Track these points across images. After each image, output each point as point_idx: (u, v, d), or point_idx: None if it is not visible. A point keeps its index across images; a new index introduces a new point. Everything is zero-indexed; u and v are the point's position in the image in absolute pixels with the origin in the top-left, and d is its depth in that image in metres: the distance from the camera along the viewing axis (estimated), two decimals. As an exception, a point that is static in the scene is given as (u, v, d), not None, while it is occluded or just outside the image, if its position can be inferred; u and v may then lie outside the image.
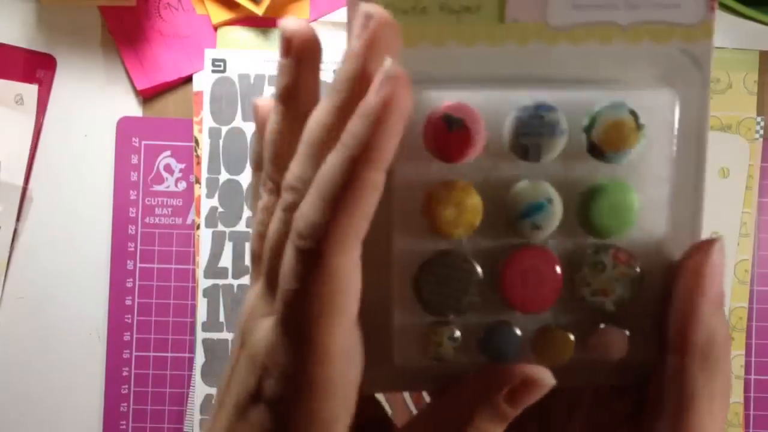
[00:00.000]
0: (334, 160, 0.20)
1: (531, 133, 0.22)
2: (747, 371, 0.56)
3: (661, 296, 0.24)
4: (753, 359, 0.56)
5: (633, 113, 0.22)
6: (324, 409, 0.22)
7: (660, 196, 0.24)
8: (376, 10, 0.21)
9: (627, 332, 0.24)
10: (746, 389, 0.56)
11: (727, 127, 0.56)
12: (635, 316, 0.24)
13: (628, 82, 0.23)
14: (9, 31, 0.56)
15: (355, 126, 0.20)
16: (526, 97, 0.23)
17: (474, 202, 0.23)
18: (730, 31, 0.56)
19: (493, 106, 0.23)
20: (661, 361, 0.24)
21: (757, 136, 0.56)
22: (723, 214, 0.56)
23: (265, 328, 0.23)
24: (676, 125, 0.23)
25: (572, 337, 0.24)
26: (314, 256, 0.20)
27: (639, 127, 0.22)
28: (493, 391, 0.23)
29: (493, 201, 0.23)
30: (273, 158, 0.25)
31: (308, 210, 0.21)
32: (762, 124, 0.56)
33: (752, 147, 0.56)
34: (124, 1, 0.55)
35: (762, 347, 0.56)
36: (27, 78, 0.56)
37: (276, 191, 0.24)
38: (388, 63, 0.21)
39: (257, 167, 0.27)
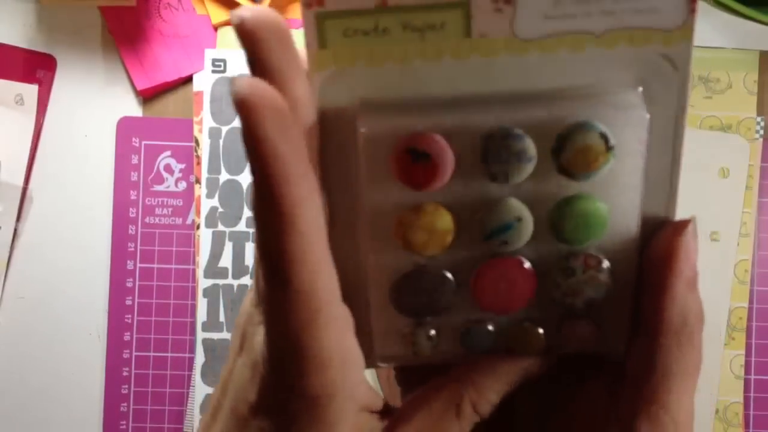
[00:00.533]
0: (252, 187, 0.20)
1: (498, 161, 0.22)
2: (747, 371, 0.56)
3: (634, 288, 0.24)
4: (753, 359, 0.56)
5: (602, 135, 0.22)
6: (328, 413, 0.22)
7: (631, 203, 0.24)
8: (248, 13, 0.20)
9: (595, 325, 0.25)
10: (746, 389, 0.56)
11: (727, 127, 0.56)
12: (606, 310, 0.25)
13: (601, 90, 0.23)
14: (9, 31, 0.56)
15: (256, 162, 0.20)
16: (494, 120, 0.22)
17: (444, 224, 0.23)
18: (730, 31, 0.56)
19: (460, 129, 0.22)
20: (634, 342, 0.24)
21: (757, 136, 0.56)
22: (723, 214, 0.56)
23: (260, 338, 0.23)
24: (648, 138, 0.23)
25: (541, 331, 0.25)
26: (278, 278, 0.20)
27: (609, 148, 0.22)
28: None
29: (464, 216, 0.23)
30: None
31: (256, 235, 0.21)
32: (762, 124, 0.56)
33: (752, 147, 0.56)
34: (124, 1, 0.55)
35: (762, 347, 0.56)
36: (27, 78, 0.56)
37: None
38: (235, 86, 0.19)
39: None
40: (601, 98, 0.22)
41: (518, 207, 0.23)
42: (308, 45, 0.22)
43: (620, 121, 0.22)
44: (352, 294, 0.24)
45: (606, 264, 0.24)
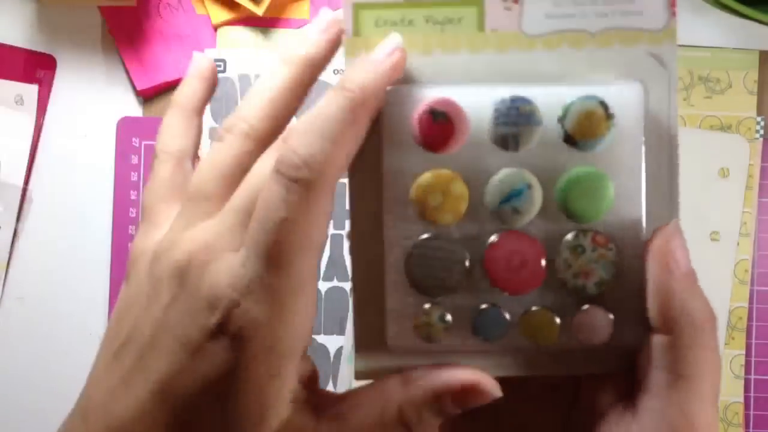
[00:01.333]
0: (337, 102, 0.23)
1: (509, 123, 0.24)
2: (747, 371, 0.56)
3: (640, 279, 0.25)
4: (753, 359, 0.56)
5: (603, 104, 0.24)
6: (286, 340, 0.23)
7: (634, 183, 0.25)
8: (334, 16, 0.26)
9: (608, 316, 0.25)
10: (746, 389, 0.56)
11: (727, 127, 0.56)
12: (617, 299, 0.25)
13: (599, 81, 0.25)
14: (9, 31, 0.56)
15: (359, 74, 0.24)
16: (505, 92, 0.24)
17: (460, 189, 0.25)
18: (730, 31, 0.56)
19: (475, 101, 0.25)
20: (646, 343, 0.24)
21: (757, 135, 0.56)
22: (723, 214, 0.56)
23: (229, 263, 0.23)
24: (644, 116, 0.25)
25: (557, 318, 0.25)
26: (308, 187, 0.22)
27: (609, 116, 0.24)
28: (440, 392, 0.24)
29: (477, 190, 0.25)
30: (267, 111, 0.26)
31: (308, 143, 0.23)
32: (762, 123, 0.56)
33: (752, 147, 0.56)
34: (124, 1, 0.55)
35: (762, 347, 0.56)
36: (27, 78, 0.56)
37: (261, 140, 0.26)
38: (396, 36, 0.25)
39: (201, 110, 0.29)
40: (602, 81, 0.25)
41: (528, 175, 0.25)
42: (345, 32, 0.26)
43: (619, 95, 0.25)
44: (370, 279, 0.25)
45: (614, 242, 0.25)
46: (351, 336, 0.54)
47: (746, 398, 0.56)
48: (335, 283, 0.55)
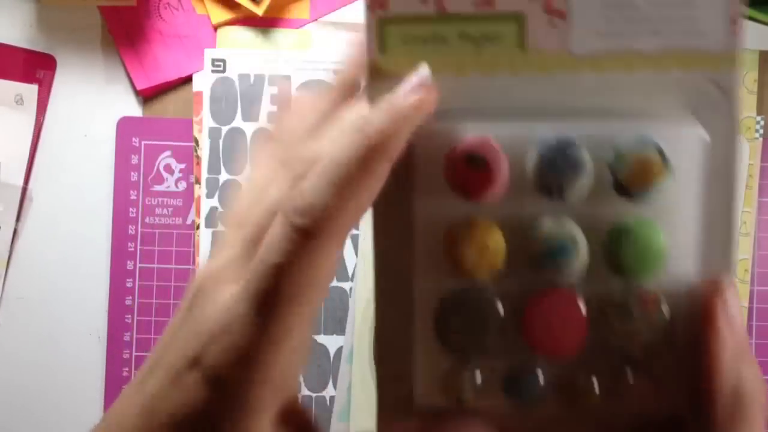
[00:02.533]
0: (352, 146, 0.21)
1: (555, 172, 0.22)
2: (747, 371, 0.56)
3: (691, 343, 0.22)
4: (753, 359, 0.56)
5: (659, 150, 0.22)
6: (258, 394, 0.21)
7: (689, 237, 0.22)
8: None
9: (654, 384, 0.23)
10: (746, 389, 0.56)
11: (727, 127, 0.56)
12: (665, 365, 0.23)
13: (653, 112, 0.22)
14: (9, 31, 0.56)
15: (378, 116, 0.21)
16: (549, 132, 0.22)
17: (496, 242, 0.22)
18: (730, 31, 0.56)
19: (516, 139, 0.22)
20: (693, 414, 0.23)
21: (757, 135, 0.56)
22: (723, 213, 0.56)
23: (226, 296, 0.22)
24: (704, 162, 0.22)
25: (596, 386, 0.23)
26: (308, 236, 0.21)
27: (666, 164, 0.22)
28: None
29: (516, 239, 0.22)
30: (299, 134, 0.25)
31: (314, 189, 0.21)
32: (762, 123, 0.56)
33: (752, 147, 0.56)
34: (124, 1, 0.55)
35: (762, 347, 0.56)
36: (27, 78, 0.56)
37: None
38: (424, 69, 0.22)
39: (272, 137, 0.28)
40: (658, 118, 0.22)
41: (572, 227, 0.22)
42: (368, 50, 0.22)
43: (677, 141, 0.22)
44: (395, 332, 0.23)
45: (664, 304, 0.22)
46: (351, 338, 0.54)
47: (746, 398, 0.56)
48: (335, 283, 0.55)
